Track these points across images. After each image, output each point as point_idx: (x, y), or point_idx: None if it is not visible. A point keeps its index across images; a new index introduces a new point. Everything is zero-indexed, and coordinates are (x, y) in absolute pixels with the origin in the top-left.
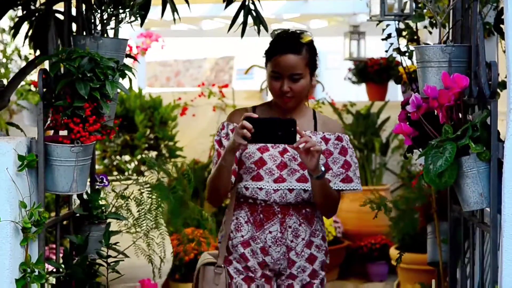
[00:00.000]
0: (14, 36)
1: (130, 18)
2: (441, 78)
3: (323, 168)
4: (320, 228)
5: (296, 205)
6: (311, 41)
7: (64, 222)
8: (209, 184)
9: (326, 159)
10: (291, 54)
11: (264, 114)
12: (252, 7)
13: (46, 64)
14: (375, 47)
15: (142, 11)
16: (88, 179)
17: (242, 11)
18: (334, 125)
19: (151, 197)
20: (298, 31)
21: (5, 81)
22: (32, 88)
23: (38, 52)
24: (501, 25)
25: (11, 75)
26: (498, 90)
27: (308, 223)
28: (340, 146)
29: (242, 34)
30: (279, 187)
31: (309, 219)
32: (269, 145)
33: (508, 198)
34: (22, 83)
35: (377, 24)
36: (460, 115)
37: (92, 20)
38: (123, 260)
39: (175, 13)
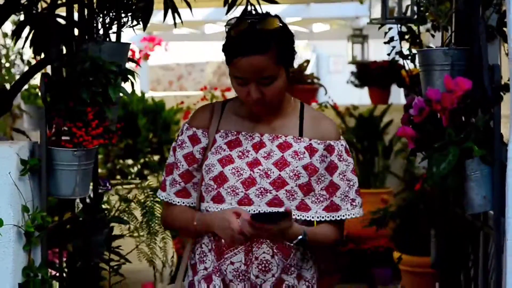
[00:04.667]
0: (15, 40)
1: (132, 22)
2: (443, 81)
3: (300, 237)
4: (298, 263)
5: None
6: (280, 27)
7: (67, 226)
8: (170, 224)
9: (309, 177)
10: (255, 55)
11: (236, 110)
12: (253, 12)
13: (48, 68)
14: (378, 50)
15: (144, 15)
16: (91, 183)
17: None
18: (326, 127)
19: (153, 200)
20: (258, 18)
21: (7, 86)
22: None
23: (40, 56)
24: (504, 28)
25: (13, 79)
26: (501, 93)
27: (283, 254)
28: (328, 161)
29: None
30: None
31: (285, 250)
32: (234, 155)
33: (511, 201)
34: (28, 86)
35: (379, 28)
36: (463, 118)
37: (94, 25)
38: (125, 264)
39: (177, 16)
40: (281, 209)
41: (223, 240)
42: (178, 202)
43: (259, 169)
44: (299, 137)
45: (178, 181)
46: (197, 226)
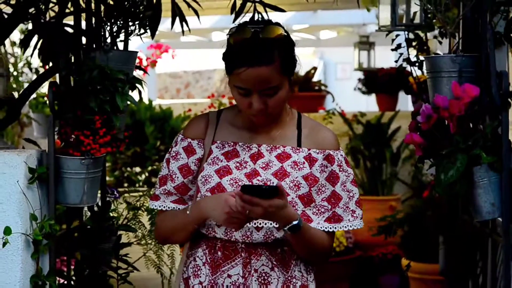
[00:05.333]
0: (24, 49)
1: (139, 30)
2: (451, 88)
3: (295, 222)
4: (301, 274)
5: (268, 243)
6: (283, 36)
7: (75, 234)
8: (164, 230)
9: (310, 188)
10: (259, 66)
11: (232, 120)
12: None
13: (56, 77)
14: (384, 57)
15: (152, 23)
16: (99, 191)
17: None
18: (324, 137)
19: None
20: (261, 26)
21: (16, 94)
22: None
23: (48, 65)
24: (511, 35)
25: (22, 88)
26: (509, 100)
27: (283, 267)
28: (329, 171)
29: None
30: None
31: (285, 261)
32: (232, 166)
33: None
34: (36, 95)
35: (387, 35)
36: (471, 125)
37: (102, 33)
38: (133, 272)
39: (185, 23)
40: (273, 184)
41: (219, 253)
42: (174, 208)
43: (258, 180)
44: (298, 147)
45: (174, 193)
46: (190, 216)
